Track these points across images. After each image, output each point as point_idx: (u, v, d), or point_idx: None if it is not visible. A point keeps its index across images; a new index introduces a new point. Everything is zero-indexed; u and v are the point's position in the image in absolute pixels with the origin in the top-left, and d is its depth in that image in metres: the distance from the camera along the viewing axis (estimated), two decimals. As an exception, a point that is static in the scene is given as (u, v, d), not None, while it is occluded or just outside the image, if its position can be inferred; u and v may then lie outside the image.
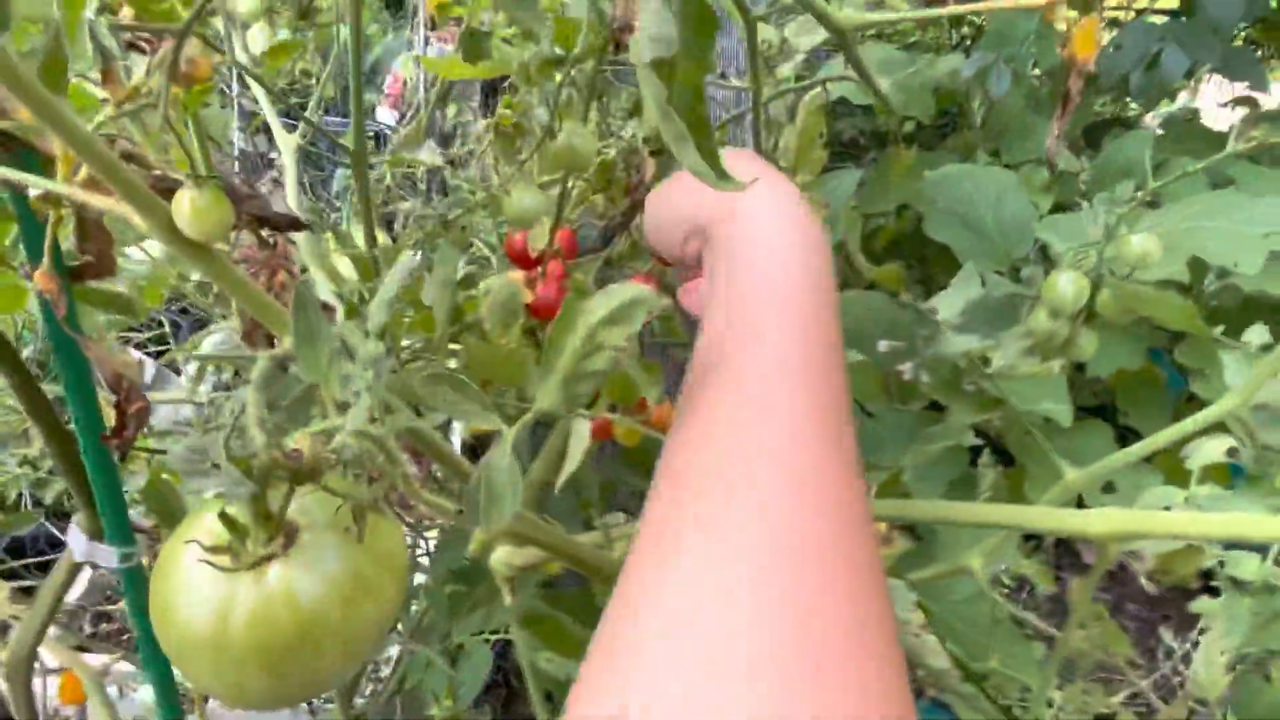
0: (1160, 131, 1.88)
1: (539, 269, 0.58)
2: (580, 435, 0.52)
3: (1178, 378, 1.60)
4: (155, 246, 0.78)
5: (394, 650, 0.97)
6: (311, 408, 0.43)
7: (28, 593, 0.81)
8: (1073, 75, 0.43)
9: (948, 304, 0.69)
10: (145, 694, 1.04)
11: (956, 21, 2.17)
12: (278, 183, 0.91)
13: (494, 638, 0.92)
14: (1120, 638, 0.67)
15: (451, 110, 1.48)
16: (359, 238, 0.72)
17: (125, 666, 1.00)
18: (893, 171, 1.76)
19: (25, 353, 1.27)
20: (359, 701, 0.98)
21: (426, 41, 1.80)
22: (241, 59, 0.77)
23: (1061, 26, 0.40)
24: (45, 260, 0.42)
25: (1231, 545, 0.59)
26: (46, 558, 1.31)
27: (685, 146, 0.30)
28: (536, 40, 0.54)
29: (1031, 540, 1.72)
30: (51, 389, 0.63)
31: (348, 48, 0.65)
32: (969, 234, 1.25)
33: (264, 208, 0.45)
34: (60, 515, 1.37)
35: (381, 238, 0.76)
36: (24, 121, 0.40)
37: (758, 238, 0.42)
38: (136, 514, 0.61)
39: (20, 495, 1.24)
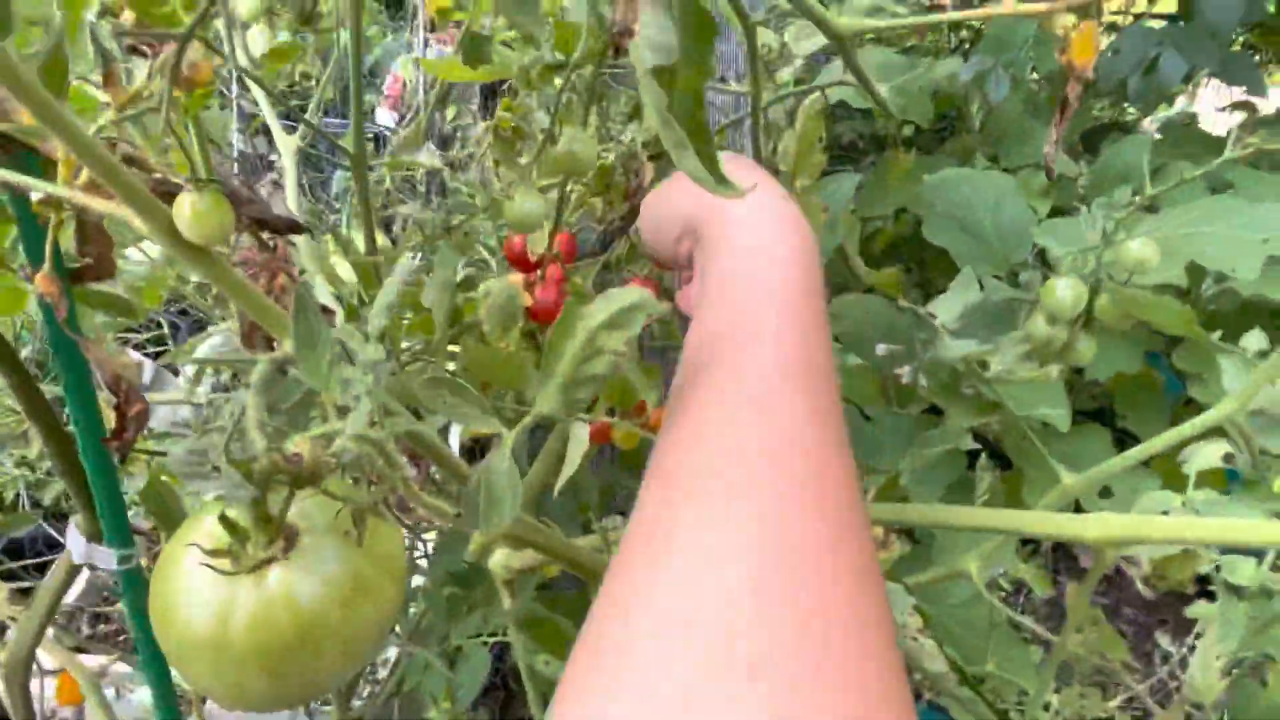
0: (1158, 136, 1.88)
1: (538, 272, 0.58)
2: (579, 439, 0.52)
3: (1175, 381, 1.61)
4: (154, 248, 0.78)
5: (392, 652, 0.97)
6: (311, 411, 0.43)
7: (26, 594, 0.81)
8: (1071, 82, 0.43)
9: (946, 308, 0.69)
10: (143, 695, 1.04)
11: (955, 25, 2.18)
12: (277, 184, 0.91)
13: (492, 640, 0.92)
14: (1117, 642, 0.67)
15: (451, 112, 1.48)
16: (359, 240, 0.72)
17: (123, 667, 1.00)
18: (891, 175, 1.76)
19: (24, 353, 1.27)
20: (356, 703, 0.98)
21: (426, 43, 1.80)
22: (242, 61, 0.77)
23: (1060, 32, 0.40)
24: (46, 263, 0.42)
25: (1228, 550, 0.59)
26: (44, 559, 1.30)
27: (685, 153, 0.30)
28: (537, 45, 0.54)
29: (1029, 544, 1.73)
30: (50, 389, 0.63)
31: (348, 51, 0.65)
32: (967, 238, 1.26)
33: (264, 211, 0.45)
34: (58, 516, 1.37)
35: (381, 240, 0.76)
36: (25, 124, 0.40)
37: (751, 240, 0.42)
38: (134, 515, 0.61)
39: (18, 496, 1.24)
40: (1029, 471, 1.22)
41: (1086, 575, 0.55)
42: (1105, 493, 1.26)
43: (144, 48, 0.42)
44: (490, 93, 1.29)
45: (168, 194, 0.37)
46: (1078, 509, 0.55)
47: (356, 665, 0.42)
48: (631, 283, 0.59)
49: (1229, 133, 0.62)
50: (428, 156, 0.81)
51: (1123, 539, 0.48)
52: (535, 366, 0.38)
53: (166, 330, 1.47)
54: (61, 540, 0.81)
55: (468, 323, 0.58)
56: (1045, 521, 0.52)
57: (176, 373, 1.41)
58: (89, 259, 0.47)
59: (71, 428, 0.54)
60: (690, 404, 0.36)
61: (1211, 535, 0.46)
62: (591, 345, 0.35)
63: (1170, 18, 1.75)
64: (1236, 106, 2.01)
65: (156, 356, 1.54)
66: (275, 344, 0.41)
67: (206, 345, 0.82)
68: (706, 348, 0.38)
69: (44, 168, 0.41)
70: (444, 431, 0.92)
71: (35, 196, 0.41)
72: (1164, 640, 1.47)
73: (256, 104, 0.89)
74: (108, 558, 0.57)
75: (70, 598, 1.32)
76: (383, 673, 1.04)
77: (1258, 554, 0.59)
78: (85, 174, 0.38)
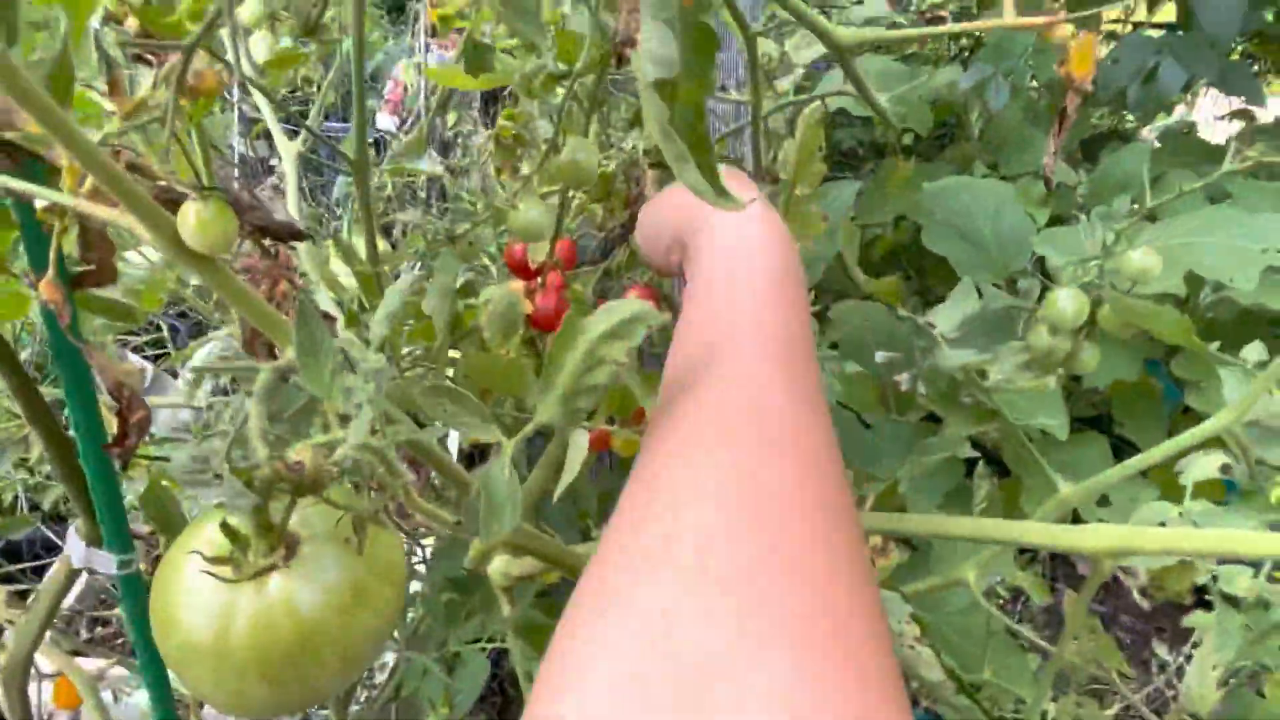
0: (1157, 144, 1.89)
1: (539, 279, 0.59)
2: (578, 446, 0.52)
3: (1174, 389, 1.61)
4: (153, 252, 0.78)
5: (390, 657, 0.97)
6: (312, 418, 0.43)
7: (24, 597, 0.81)
8: (1070, 93, 0.43)
9: (945, 317, 0.70)
10: (140, 699, 1.04)
11: (955, 33, 2.18)
12: (278, 189, 0.91)
13: (490, 646, 0.93)
14: (1114, 651, 0.67)
15: (451, 118, 1.48)
16: (360, 246, 0.72)
17: (120, 671, 1.00)
18: (891, 183, 1.76)
19: (23, 355, 1.27)
20: (354, 708, 0.98)
21: (427, 48, 1.80)
22: (246, 69, 0.77)
23: (1059, 42, 0.41)
24: (50, 270, 0.42)
25: (1225, 560, 0.59)
26: (43, 561, 1.30)
27: (686, 165, 0.30)
28: (539, 53, 0.54)
29: (1027, 552, 1.73)
30: (50, 392, 0.63)
31: (350, 57, 0.65)
32: (967, 246, 1.26)
33: (266, 218, 0.45)
34: (57, 519, 1.37)
35: (382, 245, 0.76)
36: (30, 132, 0.40)
37: (731, 239, 0.44)
38: (133, 520, 0.61)
39: (17, 498, 1.24)
40: (1027, 479, 1.22)
41: (1084, 584, 0.55)
42: (1103, 500, 1.26)
43: (149, 56, 0.42)
44: (491, 98, 1.29)
45: (171, 202, 0.37)
46: (1076, 517, 0.55)
47: (356, 673, 0.43)
48: (632, 290, 0.59)
49: (1228, 141, 0.62)
50: (429, 163, 0.81)
51: (1119, 550, 0.48)
52: (535, 373, 0.38)
53: (166, 333, 1.47)
54: (60, 543, 0.81)
55: (468, 329, 0.58)
56: (1043, 533, 0.52)
57: (176, 375, 1.41)
58: (91, 264, 0.47)
59: (72, 432, 0.54)
60: (684, 383, 0.38)
61: (1208, 546, 0.46)
62: (592, 356, 0.35)
63: (1169, 27, 1.75)
64: (1235, 115, 2.01)
65: (156, 359, 1.54)
66: (277, 351, 0.41)
67: (201, 352, 0.82)
68: (694, 342, 0.40)
69: (49, 175, 0.41)
70: (443, 436, 0.92)
71: (40, 204, 0.41)
72: (1161, 649, 1.47)
73: (258, 108, 0.89)
74: (107, 562, 0.57)
75: (68, 601, 1.32)
76: (380, 677, 1.04)
77: (1255, 565, 0.59)
78: (90, 182, 0.38)
